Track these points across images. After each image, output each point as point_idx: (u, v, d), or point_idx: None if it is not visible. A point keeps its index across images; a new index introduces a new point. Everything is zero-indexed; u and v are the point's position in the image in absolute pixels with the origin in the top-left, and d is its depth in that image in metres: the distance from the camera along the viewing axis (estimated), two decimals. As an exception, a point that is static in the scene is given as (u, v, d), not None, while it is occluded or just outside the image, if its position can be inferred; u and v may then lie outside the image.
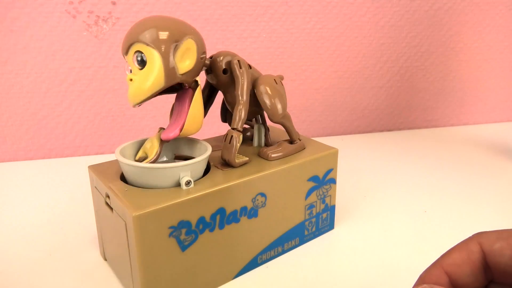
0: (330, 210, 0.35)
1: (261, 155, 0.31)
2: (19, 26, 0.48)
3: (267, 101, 0.30)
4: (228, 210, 0.27)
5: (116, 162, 0.30)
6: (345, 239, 0.34)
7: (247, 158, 0.30)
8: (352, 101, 0.63)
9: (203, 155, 0.27)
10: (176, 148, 0.31)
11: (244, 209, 0.28)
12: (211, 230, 0.27)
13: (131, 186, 0.26)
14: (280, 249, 0.32)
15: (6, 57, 0.49)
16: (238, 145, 0.29)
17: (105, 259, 0.31)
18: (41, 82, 0.51)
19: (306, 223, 0.33)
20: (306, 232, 0.33)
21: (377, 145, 0.59)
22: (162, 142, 0.28)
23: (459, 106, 0.68)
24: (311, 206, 0.33)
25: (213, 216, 0.27)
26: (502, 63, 0.67)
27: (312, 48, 0.58)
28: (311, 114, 0.62)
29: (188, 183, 0.26)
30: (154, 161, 0.27)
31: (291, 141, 0.33)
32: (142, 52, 0.25)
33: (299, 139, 0.33)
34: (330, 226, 0.35)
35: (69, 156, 0.55)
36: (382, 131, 0.66)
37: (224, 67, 0.30)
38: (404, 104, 0.65)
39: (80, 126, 0.54)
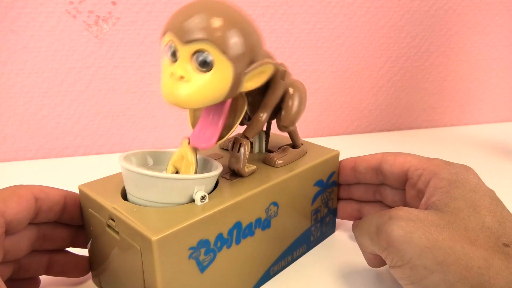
0: (333, 213, 0.34)
1: (266, 162, 0.30)
2: (19, 26, 0.48)
3: (294, 108, 0.29)
4: (244, 223, 0.26)
5: (110, 178, 0.27)
6: (347, 242, 0.34)
7: (255, 167, 0.28)
8: (352, 101, 0.63)
9: (217, 169, 0.25)
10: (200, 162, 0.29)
11: (258, 220, 0.27)
12: (228, 246, 0.25)
13: (138, 206, 0.24)
14: (289, 258, 0.31)
15: (6, 57, 0.49)
16: (248, 153, 0.27)
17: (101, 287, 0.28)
18: (41, 82, 0.51)
19: (312, 228, 0.32)
20: (312, 238, 0.33)
21: (377, 145, 0.59)
22: (196, 154, 0.25)
23: (459, 106, 0.68)
24: (316, 211, 0.32)
25: (230, 232, 0.25)
26: (502, 63, 0.67)
27: (312, 48, 0.58)
28: (311, 114, 0.62)
29: (203, 198, 0.24)
30: None
31: (293, 146, 0.32)
32: (210, 55, 0.21)
33: (301, 143, 0.32)
34: (332, 230, 0.35)
35: (69, 156, 0.55)
36: (382, 131, 0.66)
37: None
38: (404, 104, 0.65)
39: (80, 126, 0.54)
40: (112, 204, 0.24)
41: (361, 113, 0.64)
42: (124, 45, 0.52)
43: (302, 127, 0.62)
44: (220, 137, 0.26)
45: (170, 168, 0.26)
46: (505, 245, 0.20)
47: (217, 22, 0.21)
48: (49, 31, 0.49)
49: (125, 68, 0.53)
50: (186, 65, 0.22)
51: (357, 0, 0.57)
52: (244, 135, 0.28)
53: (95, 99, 0.53)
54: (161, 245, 0.21)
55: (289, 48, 0.57)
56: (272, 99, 0.28)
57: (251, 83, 0.24)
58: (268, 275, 0.29)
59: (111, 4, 0.50)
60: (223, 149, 0.33)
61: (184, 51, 0.22)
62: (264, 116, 0.28)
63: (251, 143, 0.32)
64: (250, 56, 0.22)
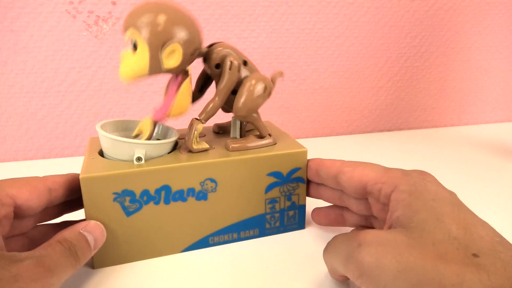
0: (299, 209, 0.35)
1: (226, 146, 0.33)
2: (19, 26, 0.48)
3: (243, 99, 0.31)
4: (174, 188, 0.30)
5: None
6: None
7: (207, 146, 0.32)
8: (352, 101, 0.63)
9: (163, 140, 0.31)
10: (160, 131, 0.35)
11: (191, 190, 0.30)
12: (156, 203, 0.30)
13: (98, 156, 0.30)
14: (235, 235, 0.33)
15: (6, 57, 0.49)
16: (196, 133, 0.31)
17: None
18: (41, 82, 0.51)
19: (268, 216, 0.34)
20: (267, 226, 0.34)
21: (377, 145, 0.59)
22: (155, 123, 0.31)
23: (459, 106, 0.68)
24: (273, 201, 0.33)
25: (157, 191, 0.29)
26: (502, 63, 0.67)
27: (312, 48, 0.58)
28: (311, 114, 0.62)
29: (138, 159, 0.29)
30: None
31: (261, 136, 0.34)
32: (134, 39, 0.27)
33: (269, 134, 0.34)
34: (300, 225, 0.35)
35: (69, 156, 0.55)
36: (382, 131, 0.66)
37: (217, 62, 0.31)
38: (404, 104, 0.65)
39: (80, 126, 0.54)
40: (88, 152, 0.31)
41: (361, 113, 0.64)
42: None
43: (302, 127, 0.62)
44: (171, 115, 0.31)
45: (136, 131, 0.32)
46: (474, 255, 0.20)
47: (142, 14, 0.27)
48: (49, 31, 0.49)
49: (125, 68, 0.53)
50: (128, 49, 0.28)
51: (357, 0, 0.57)
52: (198, 117, 0.32)
53: (95, 99, 0.53)
54: (85, 183, 0.27)
55: (289, 48, 0.57)
56: (222, 87, 0.31)
57: (170, 61, 0.28)
58: (205, 242, 0.32)
59: (111, 4, 0.50)
60: (215, 132, 0.37)
61: (126, 37, 0.28)
62: (215, 101, 0.31)
63: (231, 128, 0.36)
64: (160, 39, 0.27)
